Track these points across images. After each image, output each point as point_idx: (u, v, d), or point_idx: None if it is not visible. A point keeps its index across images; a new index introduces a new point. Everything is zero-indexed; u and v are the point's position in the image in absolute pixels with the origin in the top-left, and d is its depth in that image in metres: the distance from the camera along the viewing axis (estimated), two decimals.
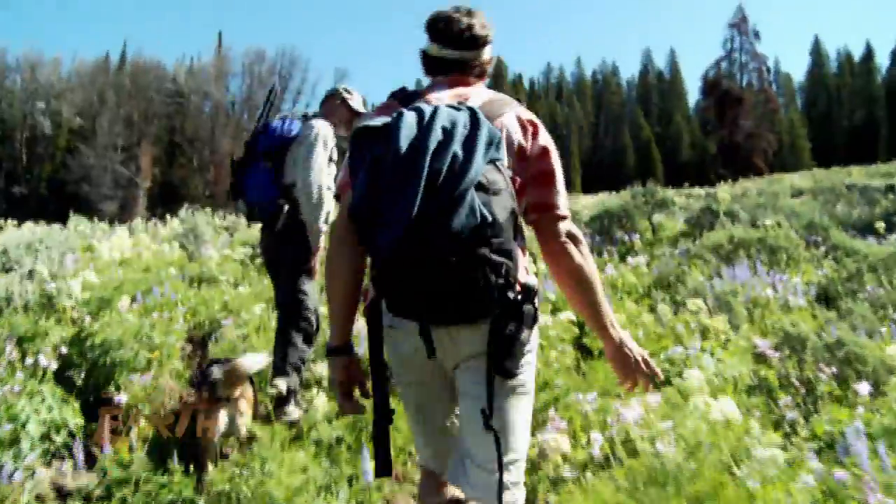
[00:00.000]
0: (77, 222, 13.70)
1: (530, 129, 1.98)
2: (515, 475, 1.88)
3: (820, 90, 76.24)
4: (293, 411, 4.13)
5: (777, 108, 59.05)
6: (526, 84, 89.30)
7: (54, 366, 4.48)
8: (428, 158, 1.59)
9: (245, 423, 3.69)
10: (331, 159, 4.36)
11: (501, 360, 1.75)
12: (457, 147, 1.62)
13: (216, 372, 3.62)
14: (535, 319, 1.83)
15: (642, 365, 2.00)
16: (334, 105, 4.55)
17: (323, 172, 4.25)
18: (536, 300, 1.87)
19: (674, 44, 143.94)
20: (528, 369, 1.96)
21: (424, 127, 1.66)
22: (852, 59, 76.58)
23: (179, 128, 60.45)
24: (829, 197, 14.35)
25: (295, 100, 67.70)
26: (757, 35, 57.34)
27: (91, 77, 60.93)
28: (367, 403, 1.98)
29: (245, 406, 3.69)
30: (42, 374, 4.35)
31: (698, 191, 22.93)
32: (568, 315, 5.11)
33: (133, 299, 6.56)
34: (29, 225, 12.93)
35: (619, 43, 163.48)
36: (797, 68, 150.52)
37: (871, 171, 27.04)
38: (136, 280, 7.37)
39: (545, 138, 2.00)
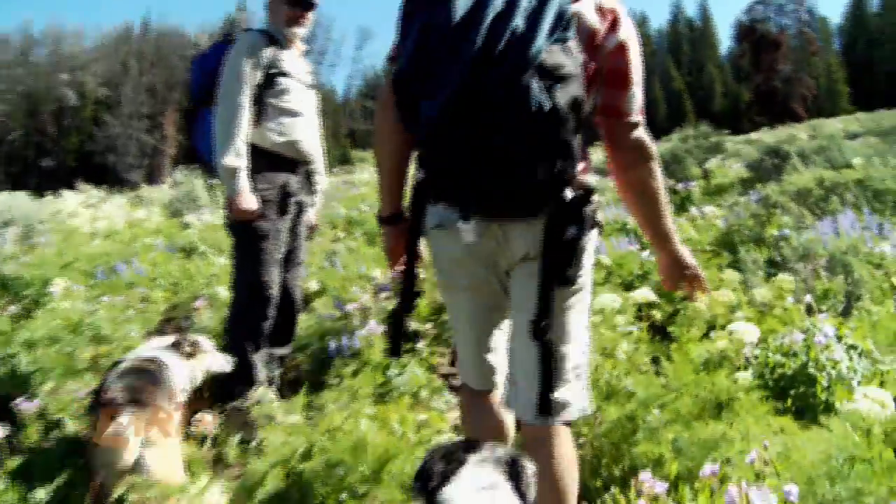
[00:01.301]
0: (71, 193, 12.77)
1: (609, 17, 1.73)
2: (578, 388, 1.79)
3: (860, 32, 73.93)
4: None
5: (817, 51, 56.65)
6: None
7: None
8: (484, 29, 1.44)
9: (168, 460, 2.45)
10: (266, 71, 3.31)
11: (564, 267, 1.64)
12: (519, 20, 1.45)
13: (117, 387, 2.49)
14: (595, 222, 1.75)
15: (698, 279, 1.97)
16: (273, 4, 3.50)
17: (234, 91, 3.20)
18: (595, 200, 1.74)
19: None
20: (588, 273, 1.85)
21: None
22: None
23: None
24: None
25: (319, 60, 67.47)
26: None
27: (114, 47, 61.00)
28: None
29: (167, 434, 2.49)
30: None
31: (739, 138, 21.75)
32: (644, 293, 3.70)
33: (91, 277, 5.65)
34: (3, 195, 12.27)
35: None
36: (834, 10, 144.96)
37: None
38: (96, 255, 6.41)
39: (626, 32, 1.75)
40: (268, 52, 3.32)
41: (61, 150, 57.44)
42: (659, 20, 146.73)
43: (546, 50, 1.44)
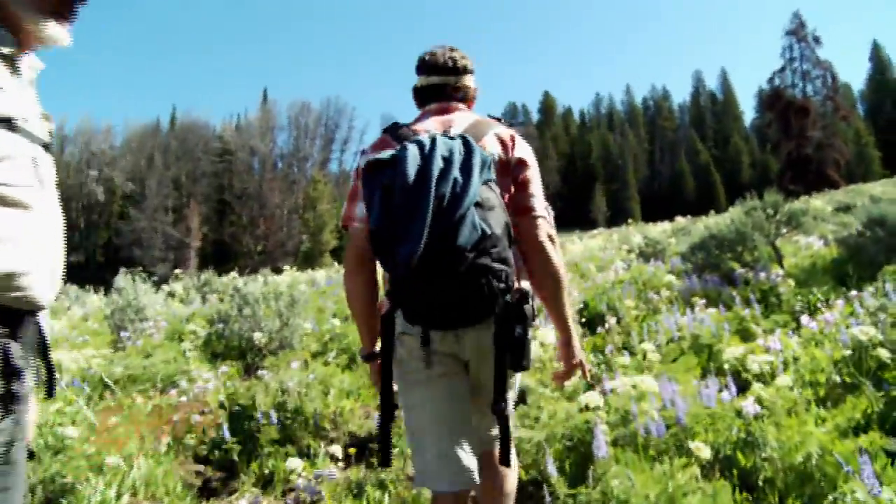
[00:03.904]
0: None
1: (509, 143, 2.19)
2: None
3: (884, 96, 74.03)
4: None
5: (848, 115, 55.58)
6: (576, 116, 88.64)
7: None
8: (433, 184, 1.80)
9: None
10: None
11: (519, 359, 1.98)
12: (456, 172, 1.84)
13: None
14: (533, 317, 2.13)
15: (581, 365, 2.33)
16: None
17: None
18: (532, 300, 2.15)
19: (724, 64, 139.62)
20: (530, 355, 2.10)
21: (427, 157, 1.87)
22: None
23: (227, 185, 60.83)
24: None
25: (343, 149, 68.28)
26: (818, 41, 53.83)
27: (140, 142, 62.19)
28: None
29: None
30: None
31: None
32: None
33: None
34: None
35: (669, 68, 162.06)
36: (855, 77, 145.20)
37: None
38: None
39: (522, 150, 2.20)
40: None
41: (90, 244, 58.08)
42: (681, 94, 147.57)
43: (479, 190, 1.86)
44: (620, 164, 76.83)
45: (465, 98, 2.38)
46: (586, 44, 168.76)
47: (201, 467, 4.24)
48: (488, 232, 1.81)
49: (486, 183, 1.90)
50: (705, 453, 2.68)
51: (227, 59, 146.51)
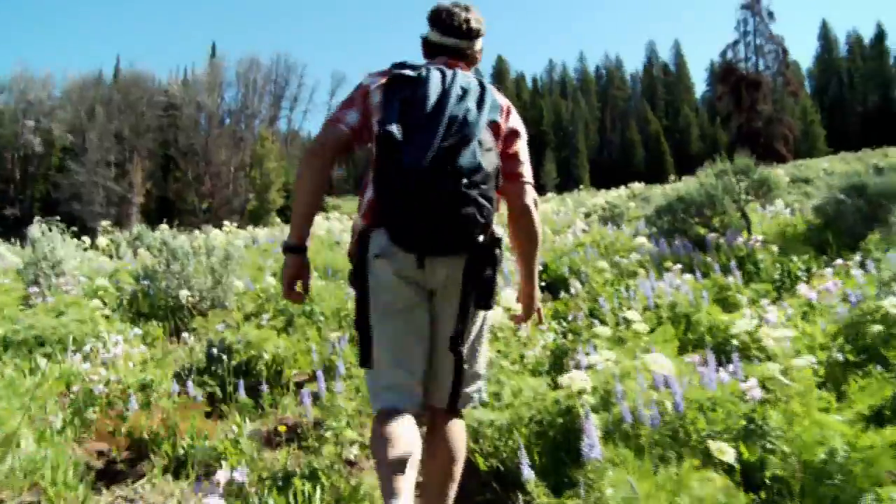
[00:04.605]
0: None
1: (505, 111, 2.29)
2: (476, 387, 2.30)
3: (831, 75, 75.57)
4: None
5: (797, 91, 55.97)
6: (528, 82, 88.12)
7: None
8: (450, 106, 1.99)
9: None
10: None
11: (485, 298, 2.11)
12: (471, 103, 2.03)
13: None
14: (500, 261, 2.16)
15: (539, 311, 2.53)
16: None
17: None
18: (502, 245, 2.17)
19: (678, 36, 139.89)
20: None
21: (448, 83, 2.07)
22: (863, 42, 76.33)
23: (173, 140, 58.88)
24: None
25: (292, 107, 66.65)
26: (771, 16, 53.67)
27: (81, 93, 59.67)
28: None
29: None
30: None
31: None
32: None
33: None
34: None
35: (623, 37, 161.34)
36: (803, 55, 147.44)
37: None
38: None
39: (515, 122, 2.33)
40: None
41: (26, 198, 55.97)
42: (634, 64, 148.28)
43: (483, 127, 2.02)
44: (571, 130, 76.69)
45: (472, 61, 2.44)
46: (541, 9, 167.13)
47: (105, 446, 3.63)
48: (483, 165, 1.93)
49: (489, 124, 2.07)
50: (729, 456, 2.17)
51: (176, 11, 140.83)
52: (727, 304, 4.82)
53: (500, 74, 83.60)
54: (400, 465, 1.94)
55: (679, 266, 5.69)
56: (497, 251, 2.09)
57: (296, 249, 2.24)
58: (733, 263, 5.51)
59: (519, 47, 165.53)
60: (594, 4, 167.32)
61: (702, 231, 7.06)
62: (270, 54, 73.60)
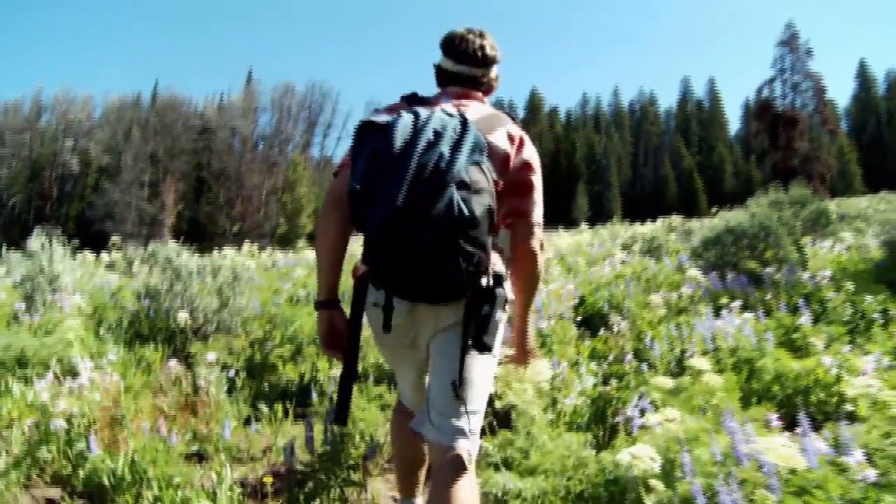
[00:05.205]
0: None
1: (517, 142, 2.19)
2: (474, 424, 2.08)
3: (868, 114, 74.87)
4: None
5: (835, 129, 54.99)
6: (562, 116, 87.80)
7: None
8: (417, 153, 1.80)
9: None
10: None
11: (480, 337, 1.96)
12: (444, 147, 1.82)
13: None
14: (506, 301, 2.09)
15: (533, 351, 2.51)
16: None
17: None
18: (506, 285, 2.11)
19: (712, 72, 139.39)
20: (498, 339, 2.13)
21: (418, 128, 1.87)
22: None
23: (206, 163, 59.50)
24: None
25: (325, 133, 67.12)
26: (809, 53, 52.95)
27: (119, 114, 60.88)
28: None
29: None
30: None
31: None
32: None
33: None
34: None
35: (657, 73, 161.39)
36: (840, 94, 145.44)
37: None
38: None
39: (529, 153, 2.21)
40: None
41: (62, 216, 56.96)
42: (668, 100, 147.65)
43: (466, 169, 1.80)
44: (604, 164, 76.41)
45: (487, 89, 2.39)
46: (576, 44, 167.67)
47: (57, 493, 3.08)
48: (466, 214, 1.78)
49: (477, 164, 1.88)
50: None
51: (214, 37, 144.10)
52: (793, 348, 4.18)
53: (533, 107, 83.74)
54: (415, 463, 2.27)
55: (738, 303, 5.05)
56: (498, 290, 1.97)
57: (329, 304, 2.20)
58: (801, 301, 4.83)
59: (553, 81, 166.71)
60: (629, 38, 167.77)
61: (752, 265, 6.40)
62: (305, 81, 74.45)
